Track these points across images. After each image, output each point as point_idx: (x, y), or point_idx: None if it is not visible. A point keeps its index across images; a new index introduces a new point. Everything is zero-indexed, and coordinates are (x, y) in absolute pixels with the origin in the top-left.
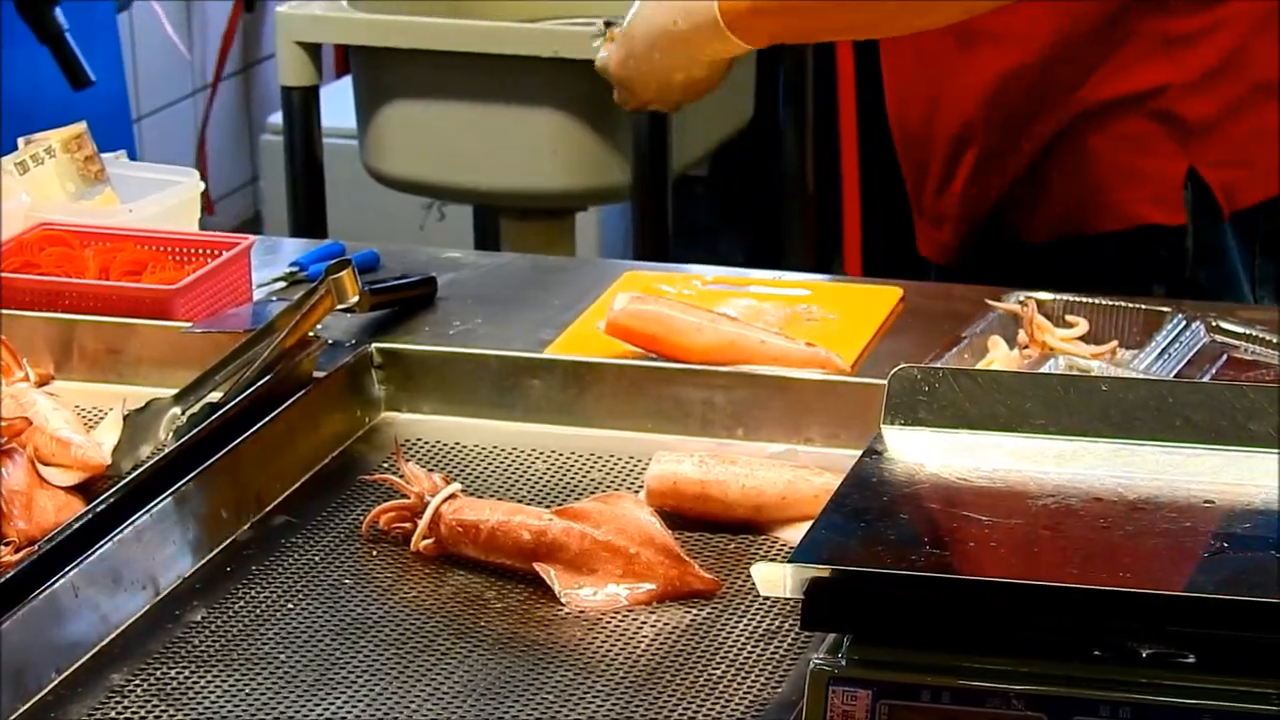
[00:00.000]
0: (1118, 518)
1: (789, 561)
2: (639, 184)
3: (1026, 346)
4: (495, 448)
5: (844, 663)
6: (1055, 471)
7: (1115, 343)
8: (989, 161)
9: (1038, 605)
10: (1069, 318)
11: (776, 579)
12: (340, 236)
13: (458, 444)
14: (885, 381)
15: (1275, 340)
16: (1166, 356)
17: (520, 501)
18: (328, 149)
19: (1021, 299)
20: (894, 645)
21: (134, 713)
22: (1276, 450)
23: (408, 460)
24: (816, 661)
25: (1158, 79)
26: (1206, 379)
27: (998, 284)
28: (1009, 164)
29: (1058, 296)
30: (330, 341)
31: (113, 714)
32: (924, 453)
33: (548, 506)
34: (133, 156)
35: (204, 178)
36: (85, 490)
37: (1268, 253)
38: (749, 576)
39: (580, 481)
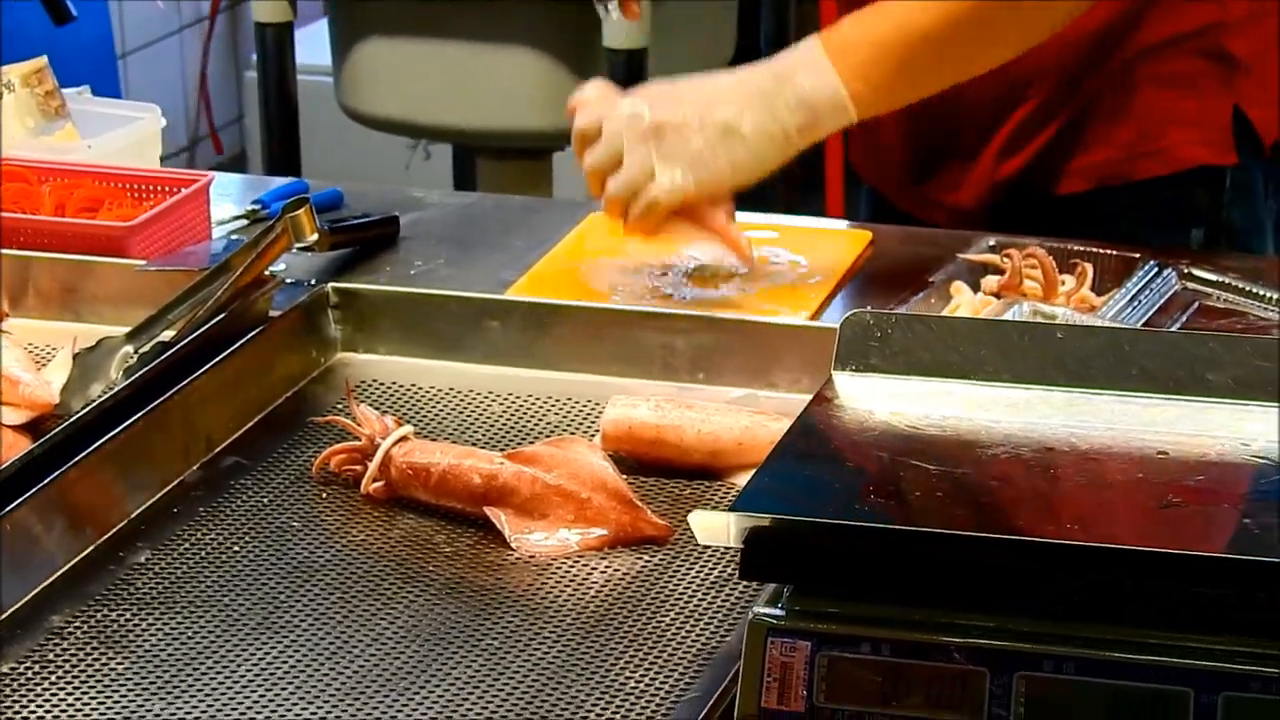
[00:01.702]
0: (1068, 468)
1: (730, 510)
2: None
3: (993, 293)
4: (451, 390)
5: (783, 614)
6: (1007, 420)
7: (1116, 290)
8: (1036, 119)
9: (981, 557)
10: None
11: (717, 528)
12: (319, 176)
13: (413, 385)
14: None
15: (1247, 288)
16: (1137, 304)
17: (474, 445)
18: (308, 88)
19: (992, 243)
20: (835, 597)
21: (73, 655)
22: (1232, 401)
23: (360, 402)
24: (756, 612)
25: (1208, 17)
26: (1176, 327)
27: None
28: (1056, 119)
29: (1025, 241)
30: (287, 280)
31: (51, 656)
32: (874, 399)
33: (501, 450)
34: (117, 94)
35: (208, 115)
36: (34, 429)
37: (1276, 190)
38: None
39: (536, 425)
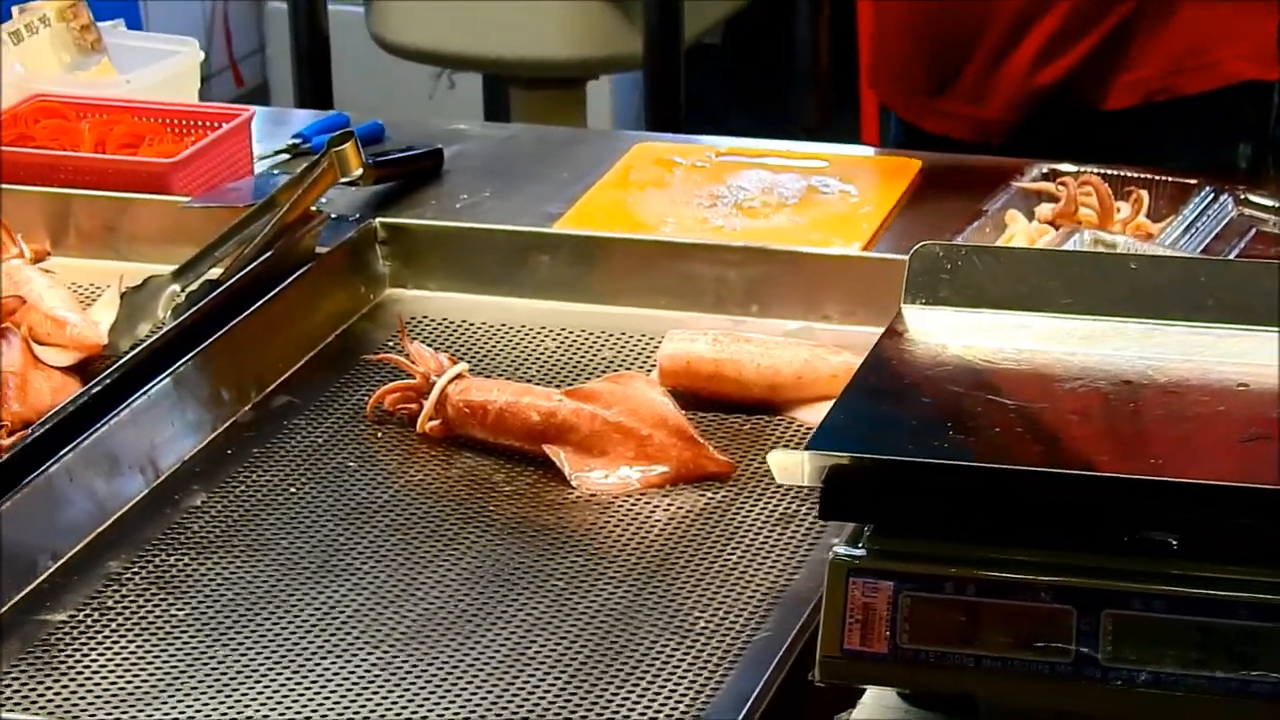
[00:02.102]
0: (1148, 402)
1: (806, 448)
2: (650, 52)
3: (1048, 221)
4: (503, 325)
5: (864, 553)
6: (1082, 353)
7: (1173, 217)
8: (1075, 25)
9: (1066, 494)
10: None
11: (794, 466)
12: (347, 108)
13: (464, 321)
14: (904, 258)
15: None
16: (1194, 231)
17: (529, 381)
18: (335, 17)
19: (1045, 170)
20: (916, 535)
21: (131, 601)
22: None
23: (413, 339)
24: (836, 552)
25: None
26: (1234, 255)
27: (1050, 158)
28: (1098, 28)
29: (1080, 169)
30: (333, 216)
31: (109, 602)
32: (945, 333)
33: (557, 387)
34: (137, 26)
35: (228, 46)
36: (82, 371)
37: None
38: (764, 459)
39: (590, 360)
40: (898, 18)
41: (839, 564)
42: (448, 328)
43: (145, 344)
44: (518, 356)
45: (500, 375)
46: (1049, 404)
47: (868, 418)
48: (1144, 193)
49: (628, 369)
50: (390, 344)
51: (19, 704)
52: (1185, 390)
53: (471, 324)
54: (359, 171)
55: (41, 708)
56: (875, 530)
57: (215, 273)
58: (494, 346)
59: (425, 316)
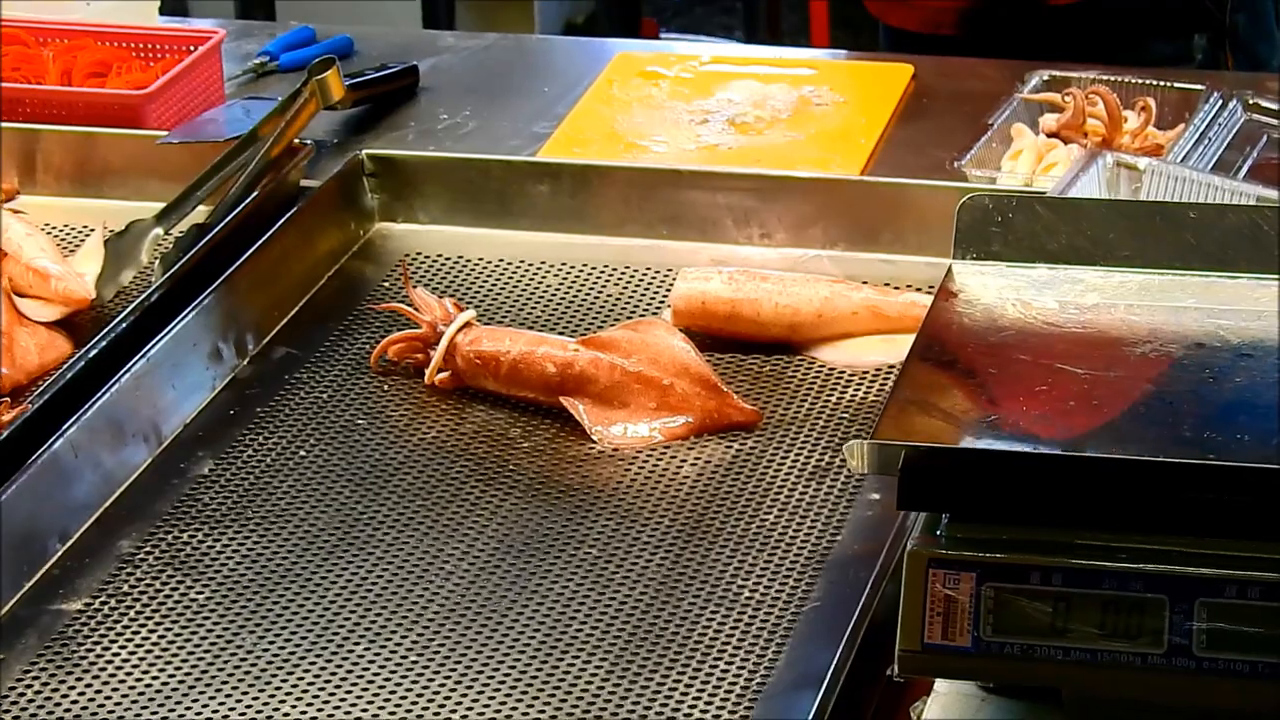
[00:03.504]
0: (1225, 366)
1: (874, 437)
2: None
3: (1053, 133)
4: (501, 260)
5: (944, 543)
6: (1148, 310)
7: (1181, 126)
8: None
9: (1155, 481)
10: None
11: (872, 458)
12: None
13: (460, 257)
14: (913, 181)
15: None
16: (1206, 141)
17: (536, 322)
18: None
19: (1046, 77)
20: (997, 522)
21: (148, 585)
22: None
23: (414, 284)
24: (915, 542)
25: None
26: (1249, 163)
27: (1011, 53)
28: None
29: (1083, 74)
30: (312, 141)
31: (125, 587)
32: (1001, 291)
33: (565, 326)
34: None
35: None
36: (67, 325)
37: None
38: (789, 403)
39: (597, 298)
40: None
41: (918, 554)
42: (444, 265)
43: (137, 302)
44: (521, 295)
45: (505, 317)
46: (1122, 371)
47: (936, 396)
48: (1151, 100)
49: (636, 306)
50: (386, 283)
51: (41, 707)
52: (1262, 352)
53: (468, 260)
54: (340, 98)
55: (67, 709)
56: (953, 517)
57: (200, 212)
58: (495, 285)
59: (419, 253)
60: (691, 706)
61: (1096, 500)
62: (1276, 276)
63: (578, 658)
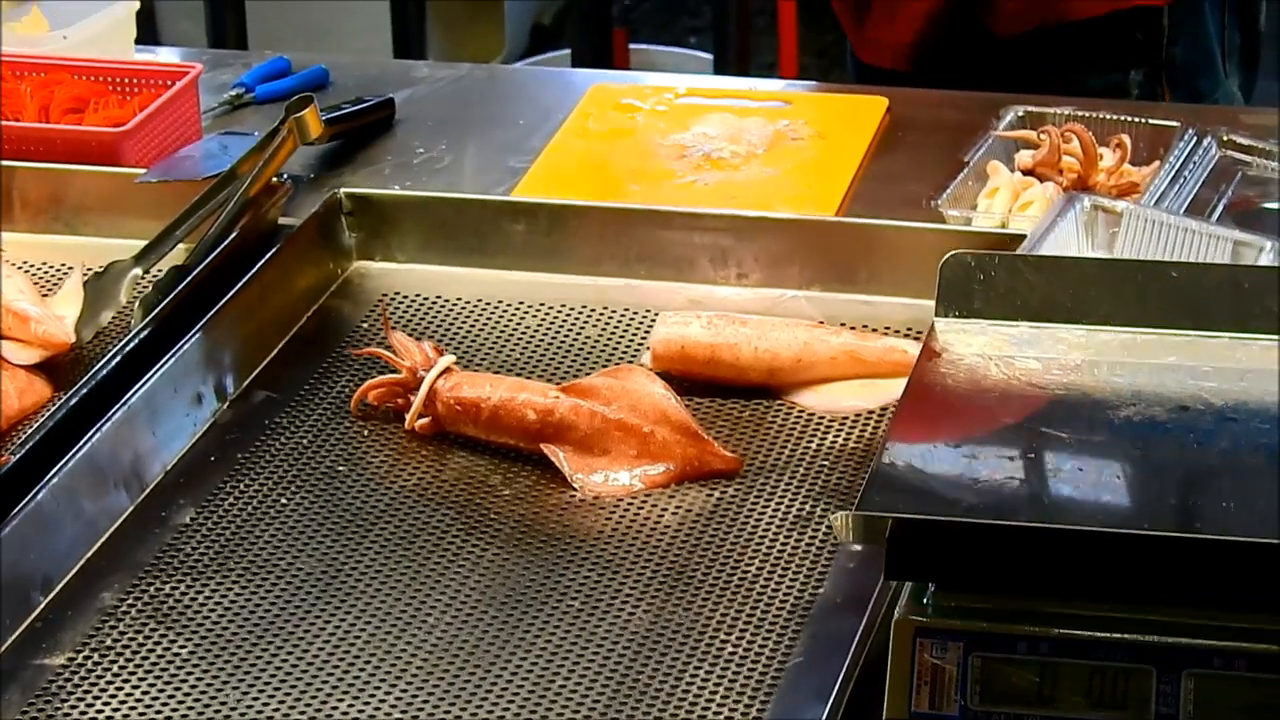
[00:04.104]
0: (1208, 430)
1: (860, 508)
2: None
3: (1029, 170)
4: (480, 300)
5: (931, 612)
6: (1131, 372)
7: (1156, 163)
8: None
9: (1141, 552)
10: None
11: (853, 528)
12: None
13: (439, 297)
14: (890, 223)
15: None
16: (1182, 180)
17: (515, 364)
18: None
19: (1020, 113)
20: (984, 592)
21: (132, 638)
22: None
23: (394, 327)
24: (901, 611)
25: None
26: (1224, 202)
27: (960, 84)
28: None
29: (1058, 111)
30: (289, 178)
31: (109, 640)
32: (984, 349)
33: (544, 368)
34: None
35: None
36: (46, 367)
37: (1234, 22)
38: (769, 449)
39: (575, 339)
40: None
41: (906, 623)
42: (422, 304)
43: (118, 348)
44: (500, 337)
45: (484, 359)
46: (1106, 436)
47: (923, 462)
48: (1126, 138)
49: (615, 348)
50: (365, 324)
51: None
52: (1245, 416)
53: (447, 299)
54: (318, 135)
55: None
56: (940, 586)
57: (180, 250)
58: (473, 326)
59: (397, 292)
60: None
61: (1083, 571)
62: (1256, 335)
63: (563, 714)
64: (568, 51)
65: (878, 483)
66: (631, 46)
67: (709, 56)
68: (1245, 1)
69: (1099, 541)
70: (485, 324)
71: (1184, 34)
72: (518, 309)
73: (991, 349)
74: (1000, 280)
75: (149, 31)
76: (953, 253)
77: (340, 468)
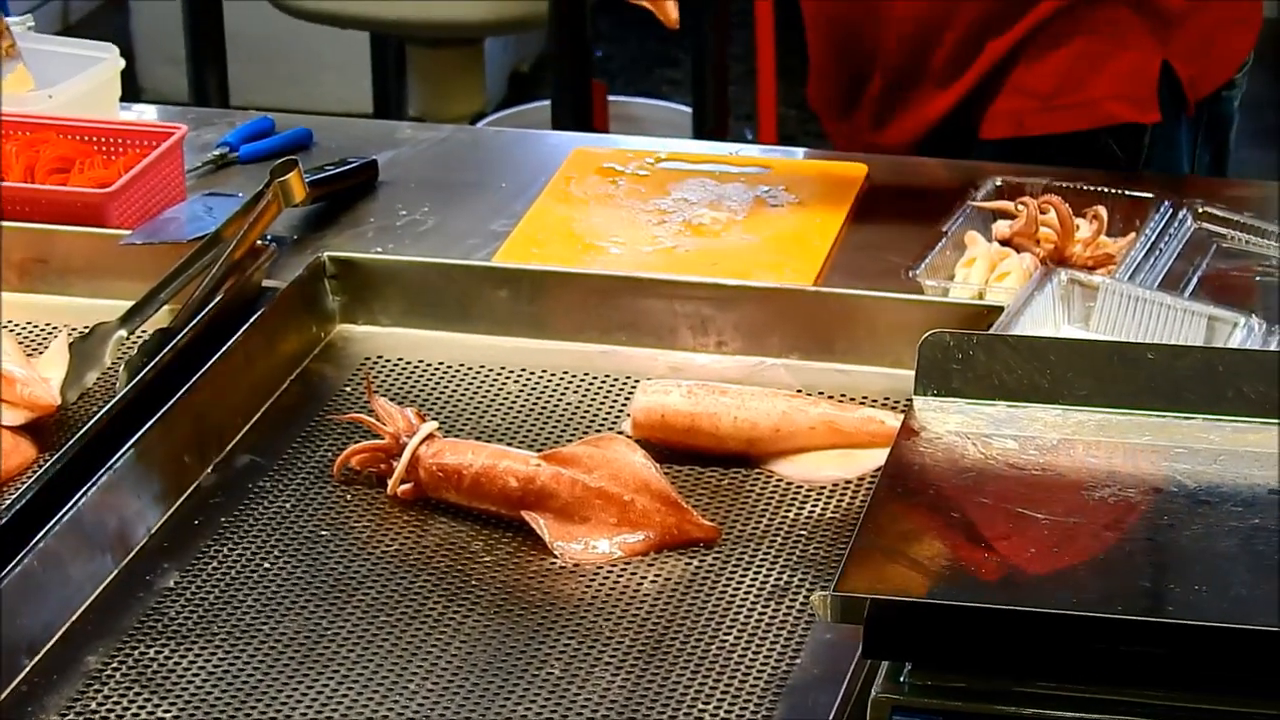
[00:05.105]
0: (1181, 514)
1: (837, 589)
2: (556, 11)
3: (1006, 240)
4: (462, 365)
5: (908, 690)
6: (1107, 453)
7: (1132, 235)
8: (961, 59)
9: (1115, 635)
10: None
11: (831, 608)
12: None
13: (422, 361)
14: (870, 293)
15: (1261, 226)
16: (1157, 251)
17: (497, 430)
18: None
19: (999, 183)
20: (961, 671)
21: (116, 702)
22: None
23: (376, 393)
24: (878, 689)
25: None
26: (1199, 275)
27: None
28: (980, 61)
29: (1035, 181)
30: (273, 239)
31: (93, 704)
32: (962, 428)
33: (526, 435)
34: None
35: None
36: (30, 428)
37: (1206, 141)
38: (748, 519)
39: (557, 406)
40: (815, 43)
41: (882, 701)
42: (405, 369)
43: (103, 411)
44: (482, 402)
45: (466, 423)
46: (1083, 518)
47: (899, 542)
48: (1102, 209)
49: (596, 415)
50: (348, 388)
51: None
52: (1218, 499)
53: (429, 364)
54: (302, 199)
55: None
56: (917, 665)
57: (164, 312)
58: (455, 390)
59: (380, 356)
60: None
61: (1058, 652)
62: (1229, 417)
63: None
64: (547, 103)
65: (856, 562)
66: (610, 99)
67: (688, 110)
68: (1218, 121)
69: (1073, 624)
70: (468, 389)
71: (1159, 152)
72: (500, 374)
73: (969, 428)
74: (979, 360)
75: (127, 76)
76: (932, 332)
77: (323, 532)
